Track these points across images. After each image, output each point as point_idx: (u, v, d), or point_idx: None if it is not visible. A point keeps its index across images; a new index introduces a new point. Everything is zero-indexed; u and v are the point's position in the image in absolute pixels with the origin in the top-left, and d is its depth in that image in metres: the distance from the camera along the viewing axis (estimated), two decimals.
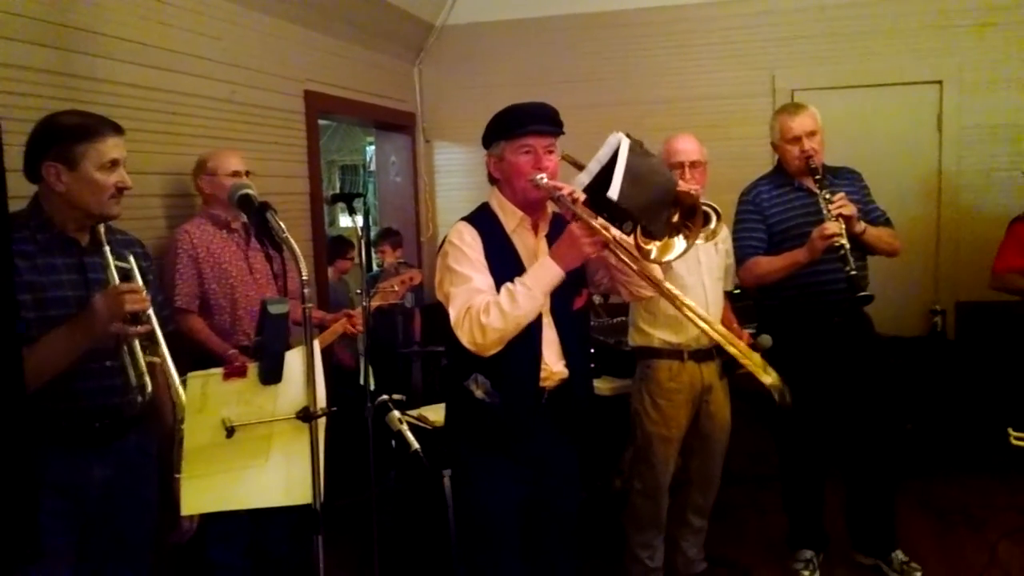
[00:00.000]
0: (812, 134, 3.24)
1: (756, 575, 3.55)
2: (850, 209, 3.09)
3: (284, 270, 1.98)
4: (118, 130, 2.10)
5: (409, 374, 5.58)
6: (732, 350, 2.06)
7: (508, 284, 2.12)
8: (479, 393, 2.24)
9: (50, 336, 1.92)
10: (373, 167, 6.44)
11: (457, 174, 5.78)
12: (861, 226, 3.17)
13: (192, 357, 2.56)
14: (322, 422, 1.82)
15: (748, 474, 4.54)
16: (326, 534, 1.86)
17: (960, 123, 5.02)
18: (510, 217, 2.29)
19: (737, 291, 3.65)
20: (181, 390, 1.95)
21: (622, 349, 3.35)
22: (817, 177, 3.19)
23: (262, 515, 3.01)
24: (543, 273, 2.10)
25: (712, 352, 3.12)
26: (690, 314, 2.13)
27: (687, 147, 3.12)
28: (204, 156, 3.27)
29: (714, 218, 2.88)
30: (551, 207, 2.31)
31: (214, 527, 3.01)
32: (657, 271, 2.30)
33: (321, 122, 5.08)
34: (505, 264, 2.23)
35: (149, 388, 2.05)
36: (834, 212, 3.06)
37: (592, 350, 3.89)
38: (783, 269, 3.20)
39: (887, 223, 3.37)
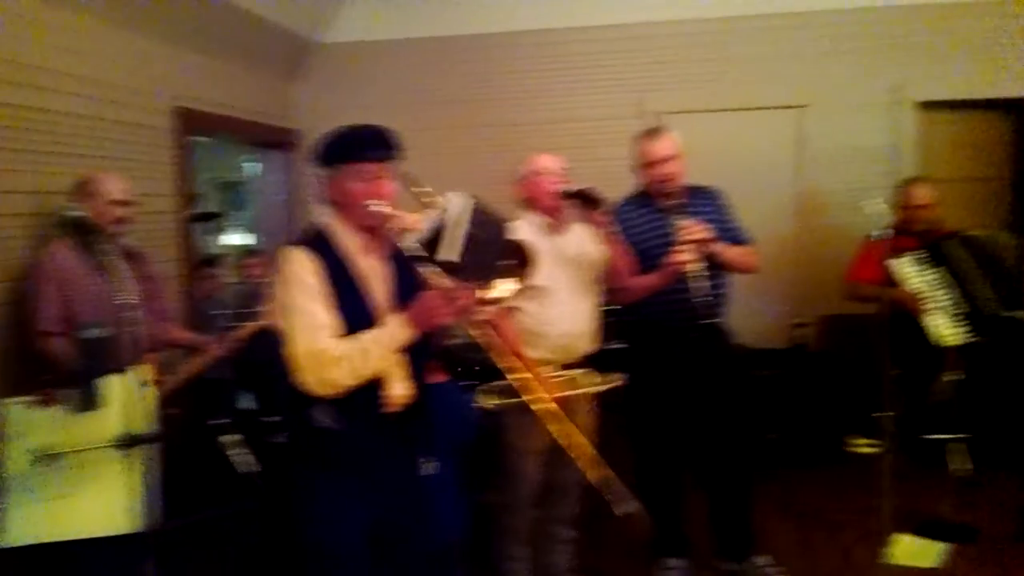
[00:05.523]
0: (670, 159, 3.35)
1: None
2: (700, 234, 3.21)
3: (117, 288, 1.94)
4: None
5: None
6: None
7: (363, 338, 2.11)
8: (321, 419, 2.21)
9: None
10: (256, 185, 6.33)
11: None
12: (715, 247, 3.29)
13: (56, 380, 2.47)
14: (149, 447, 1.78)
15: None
16: (175, 557, 1.83)
17: (817, 146, 5.32)
18: (349, 240, 2.26)
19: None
20: None
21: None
22: (671, 202, 3.30)
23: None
24: (396, 334, 2.13)
25: (570, 365, 3.17)
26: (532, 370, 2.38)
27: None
28: (85, 177, 3.21)
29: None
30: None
31: None
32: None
33: (201, 139, 4.97)
34: (347, 289, 2.20)
35: None
36: (684, 238, 3.18)
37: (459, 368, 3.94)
38: (642, 291, 3.30)
39: (745, 241, 3.51)
